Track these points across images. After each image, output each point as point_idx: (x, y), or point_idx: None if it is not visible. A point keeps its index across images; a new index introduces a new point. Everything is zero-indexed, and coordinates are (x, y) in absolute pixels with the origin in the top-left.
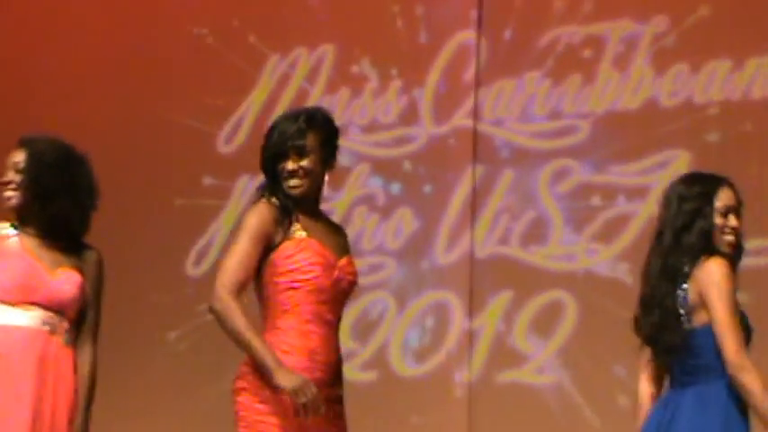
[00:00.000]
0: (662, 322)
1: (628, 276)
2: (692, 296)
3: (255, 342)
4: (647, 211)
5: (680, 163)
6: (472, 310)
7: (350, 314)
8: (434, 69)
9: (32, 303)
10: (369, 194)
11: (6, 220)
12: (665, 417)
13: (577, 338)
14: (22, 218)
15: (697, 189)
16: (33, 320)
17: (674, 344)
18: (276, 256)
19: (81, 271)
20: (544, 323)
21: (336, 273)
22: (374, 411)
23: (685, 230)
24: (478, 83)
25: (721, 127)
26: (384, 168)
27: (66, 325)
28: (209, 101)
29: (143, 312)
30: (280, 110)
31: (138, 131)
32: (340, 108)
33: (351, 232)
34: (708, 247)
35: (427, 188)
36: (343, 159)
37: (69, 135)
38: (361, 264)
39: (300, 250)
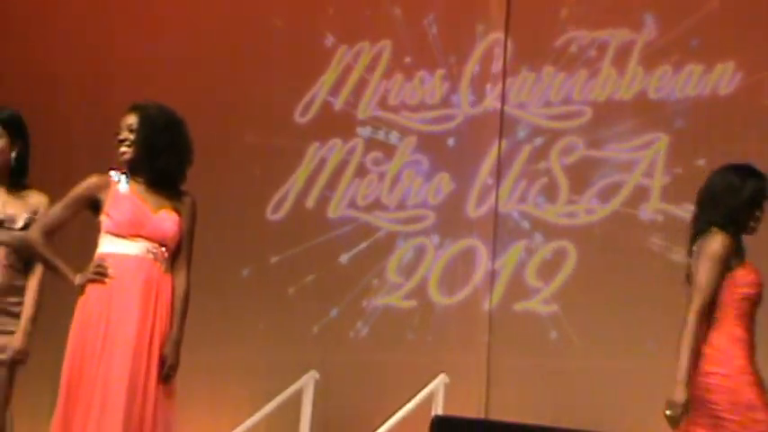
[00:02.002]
0: None
1: (619, 230)
2: None
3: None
4: (634, 180)
5: (661, 144)
6: (495, 254)
7: (397, 254)
8: (471, 62)
9: (140, 236)
10: (416, 160)
11: (119, 170)
12: None
13: (575, 279)
14: (132, 169)
15: None
16: (140, 250)
17: None
18: (736, 273)
19: (178, 212)
20: (551, 266)
21: None
22: (413, 333)
23: None
24: (506, 74)
25: (694, 116)
26: (429, 140)
27: (166, 255)
28: (289, 81)
29: (227, 249)
30: (345, 91)
31: (228, 105)
32: (394, 91)
33: (399, 190)
34: None
35: (462, 157)
36: (395, 132)
37: (171, 104)
38: (406, 216)
39: (754, 272)
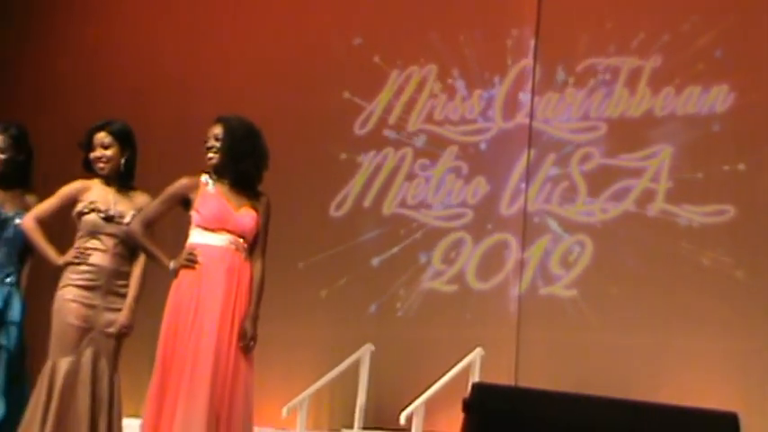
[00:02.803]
0: None
1: (630, 228)
2: None
3: None
4: (642, 185)
5: (665, 154)
6: (524, 246)
7: (441, 246)
8: (504, 84)
9: (224, 230)
10: (457, 167)
11: (206, 173)
12: None
13: (592, 267)
14: (218, 172)
15: None
16: (224, 241)
17: None
18: None
19: (256, 209)
20: (571, 257)
21: None
22: (454, 312)
23: None
24: (534, 94)
25: (694, 130)
26: (468, 149)
27: (245, 246)
28: (350, 100)
29: (296, 241)
30: (397, 108)
31: (299, 119)
32: (439, 107)
33: (443, 192)
34: None
35: (496, 163)
36: (439, 142)
37: (250, 117)
38: (448, 213)
39: None
